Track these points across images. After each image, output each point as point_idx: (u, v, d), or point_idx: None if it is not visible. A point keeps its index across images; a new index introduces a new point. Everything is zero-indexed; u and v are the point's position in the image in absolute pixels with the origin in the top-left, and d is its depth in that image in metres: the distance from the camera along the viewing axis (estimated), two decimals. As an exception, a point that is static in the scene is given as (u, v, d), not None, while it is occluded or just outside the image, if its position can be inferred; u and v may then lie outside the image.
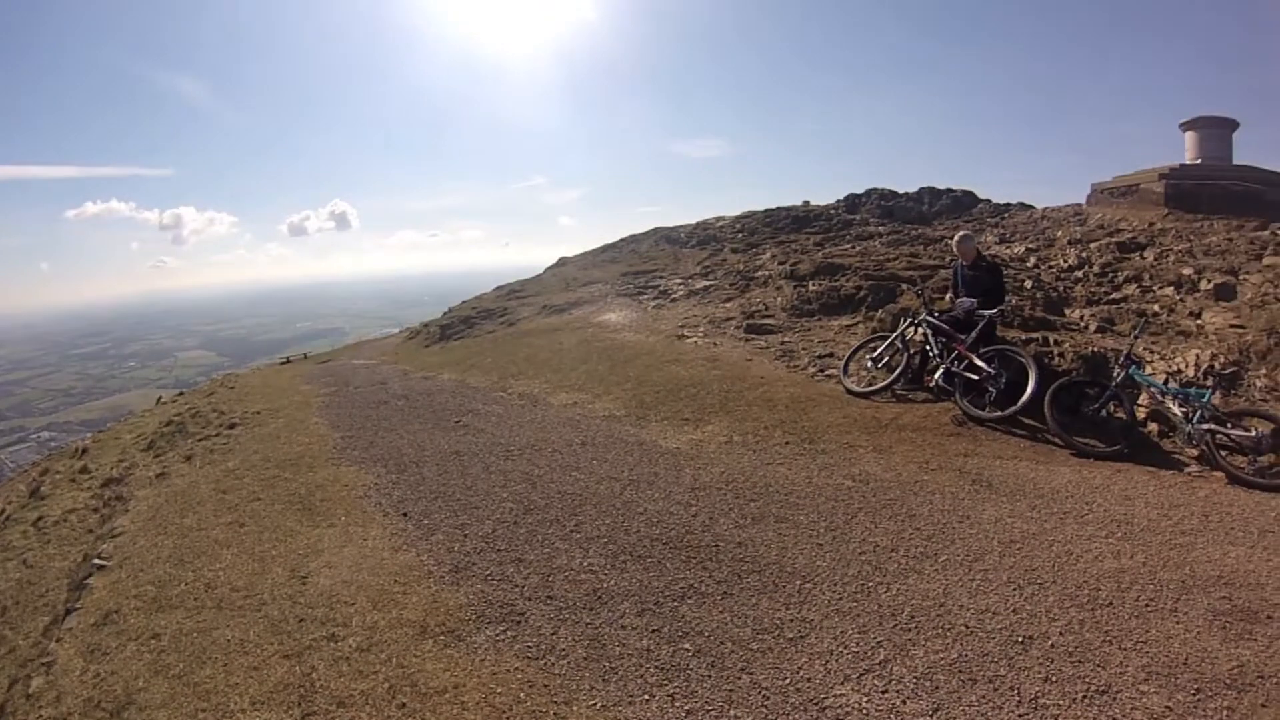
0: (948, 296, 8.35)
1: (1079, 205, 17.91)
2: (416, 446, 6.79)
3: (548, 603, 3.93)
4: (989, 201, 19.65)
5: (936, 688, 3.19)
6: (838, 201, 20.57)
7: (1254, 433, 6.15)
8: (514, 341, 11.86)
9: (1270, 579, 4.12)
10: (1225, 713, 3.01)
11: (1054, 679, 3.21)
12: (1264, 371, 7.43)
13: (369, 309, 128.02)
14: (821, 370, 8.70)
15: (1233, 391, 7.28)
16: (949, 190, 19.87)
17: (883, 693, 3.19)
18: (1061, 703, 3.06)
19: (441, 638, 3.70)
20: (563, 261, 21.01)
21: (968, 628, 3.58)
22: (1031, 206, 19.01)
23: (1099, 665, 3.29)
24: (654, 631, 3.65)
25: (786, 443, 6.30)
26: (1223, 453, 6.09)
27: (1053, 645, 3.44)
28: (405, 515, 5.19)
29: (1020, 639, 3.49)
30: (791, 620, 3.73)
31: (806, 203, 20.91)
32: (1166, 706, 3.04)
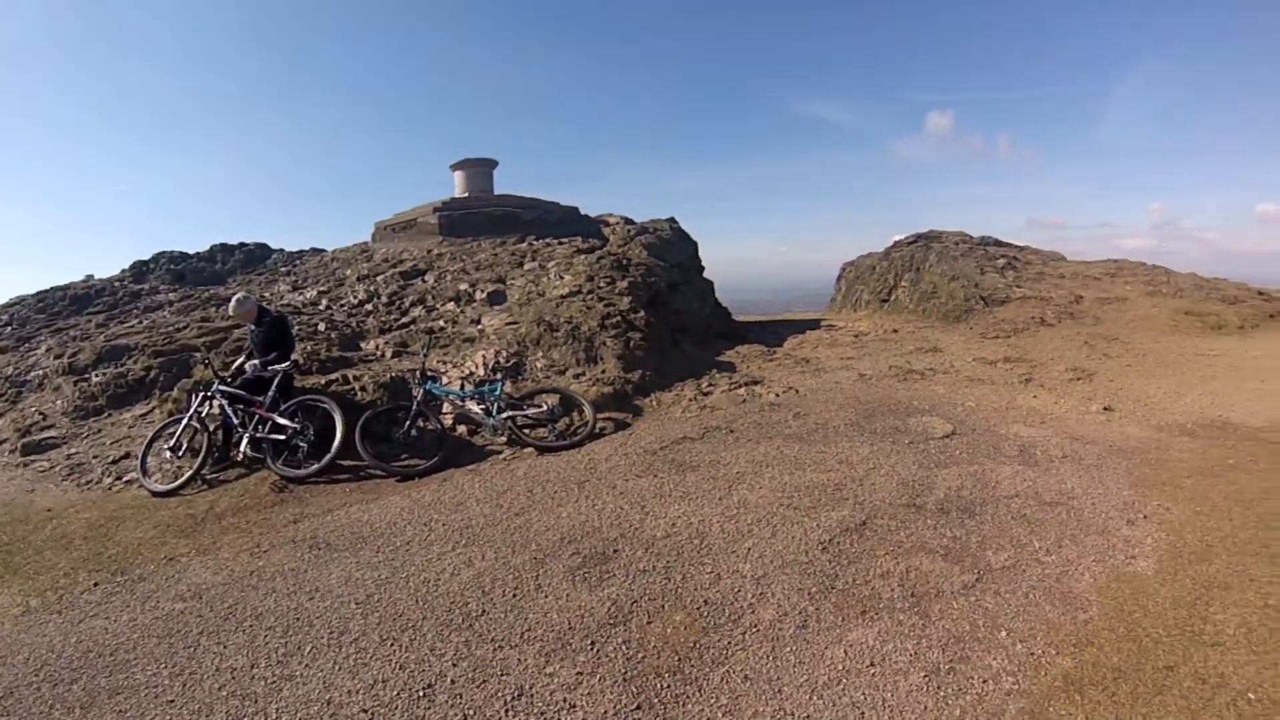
0: (242, 360, 7.64)
1: (366, 243, 19.27)
2: None
3: None
4: (283, 251, 19.50)
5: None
6: (124, 271, 17.42)
7: (545, 406, 7.62)
8: None
9: (602, 520, 5.00)
10: (623, 647, 3.39)
11: (472, 709, 3.09)
12: (540, 354, 9.39)
13: None
14: (120, 478, 7.13)
15: (520, 377, 8.90)
16: (242, 245, 18.97)
17: None
18: (489, 723, 2.96)
19: None
20: None
21: (366, 711, 3.14)
22: (323, 250, 19.52)
23: (502, 673, 3.32)
24: None
25: (95, 585, 4.72)
26: (526, 431, 7.30)
27: (453, 680, 3.31)
28: None
29: (421, 691, 3.25)
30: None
31: (89, 277, 17.09)
32: (577, 674, 3.25)
